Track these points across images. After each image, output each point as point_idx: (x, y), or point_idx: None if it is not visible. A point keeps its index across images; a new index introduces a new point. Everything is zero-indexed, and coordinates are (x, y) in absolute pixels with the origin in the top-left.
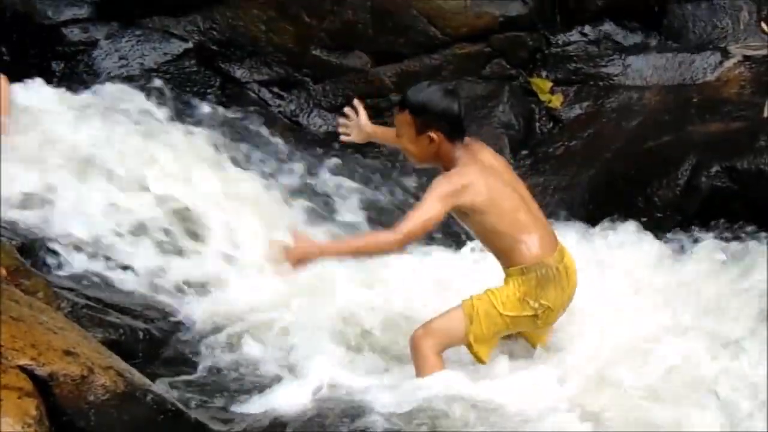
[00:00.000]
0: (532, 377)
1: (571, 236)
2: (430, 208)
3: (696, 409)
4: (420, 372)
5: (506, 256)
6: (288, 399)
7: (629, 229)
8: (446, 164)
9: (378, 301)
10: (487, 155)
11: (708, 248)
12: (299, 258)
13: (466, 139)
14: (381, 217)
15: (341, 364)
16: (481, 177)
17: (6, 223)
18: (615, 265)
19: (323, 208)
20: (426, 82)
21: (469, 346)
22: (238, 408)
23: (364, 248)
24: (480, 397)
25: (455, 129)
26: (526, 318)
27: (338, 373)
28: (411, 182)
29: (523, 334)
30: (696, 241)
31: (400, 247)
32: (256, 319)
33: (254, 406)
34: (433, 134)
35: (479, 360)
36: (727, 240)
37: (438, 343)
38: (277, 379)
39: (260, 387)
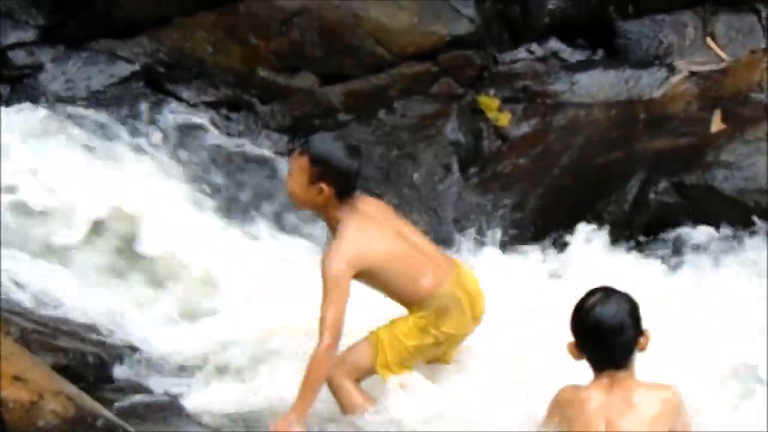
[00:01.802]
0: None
1: (515, 255)
2: (334, 297)
3: None
4: (343, 408)
5: (404, 298)
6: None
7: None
8: (326, 216)
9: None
10: (368, 206)
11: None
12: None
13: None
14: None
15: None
16: (363, 236)
17: None
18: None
19: (273, 219)
20: (333, 135)
21: (381, 373)
22: (187, 429)
23: (315, 377)
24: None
25: (347, 188)
26: (429, 345)
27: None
28: None
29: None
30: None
31: (333, 347)
32: (206, 342)
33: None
34: (324, 187)
35: (385, 378)
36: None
37: (350, 374)
38: (224, 400)
39: (207, 409)
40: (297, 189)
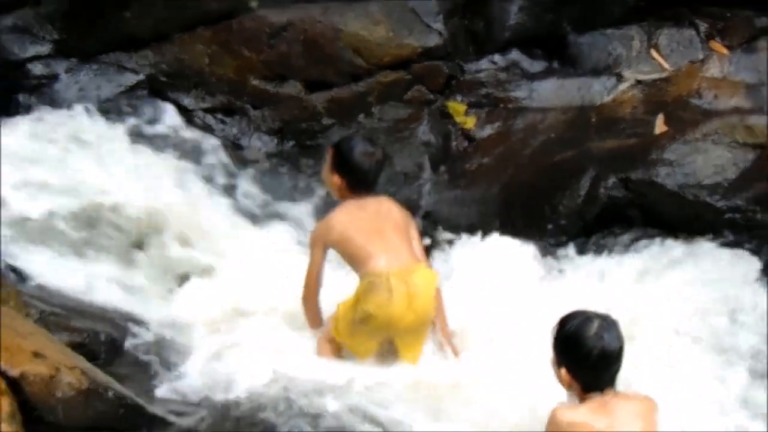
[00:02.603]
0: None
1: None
2: (311, 258)
3: None
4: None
5: (356, 273)
6: (239, 392)
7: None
8: (341, 201)
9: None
10: (372, 203)
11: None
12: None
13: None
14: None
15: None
16: (338, 218)
17: None
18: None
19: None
20: (361, 138)
21: (338, 340)
22: (194, 401)
23: (306, 315)
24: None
25: (356, 183)
26: (357, 322)
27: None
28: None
29: (396, 349)
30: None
31: (308, 297)
32: (211, 322)
33: (208, 400)
34: (338, 178)
35: (358, 356)
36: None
37: (326, 339)
38: (230, 375)
39: (213, 383)
40: (324, 175)
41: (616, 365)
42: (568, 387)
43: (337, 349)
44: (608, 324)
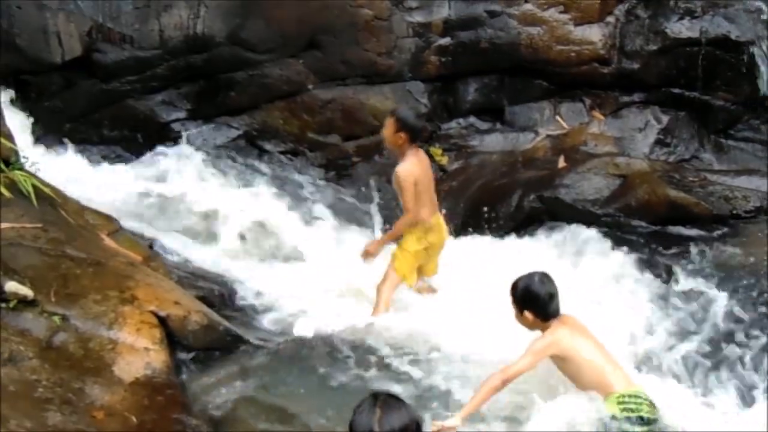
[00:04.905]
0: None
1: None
2: (407, 192)
3: None
4: (374, 309)
5: (413, 213)
6: (309, 332)
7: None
8: (400, 154)
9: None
10: (423, 156)
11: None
12: (370, 252)
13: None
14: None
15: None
16: (415, 165)
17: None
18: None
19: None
20: (409, 107)
21: (402, 277)
22: (276, 334)
23: (398, 230)
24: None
25: (414, 137)
26: (421, 250)
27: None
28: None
29: (422, 269)
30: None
31: (412, 217)
32: (292, 289)
33: (286, 334)
34: (402, 135)
35: (408, 283)
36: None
37: (386, 282)
38: (303, 321)
39: (291, 325)
40: (387, 135)
41: (557, 299)
42: (532, 325)
43: (398, 282)
44: (544, 274)
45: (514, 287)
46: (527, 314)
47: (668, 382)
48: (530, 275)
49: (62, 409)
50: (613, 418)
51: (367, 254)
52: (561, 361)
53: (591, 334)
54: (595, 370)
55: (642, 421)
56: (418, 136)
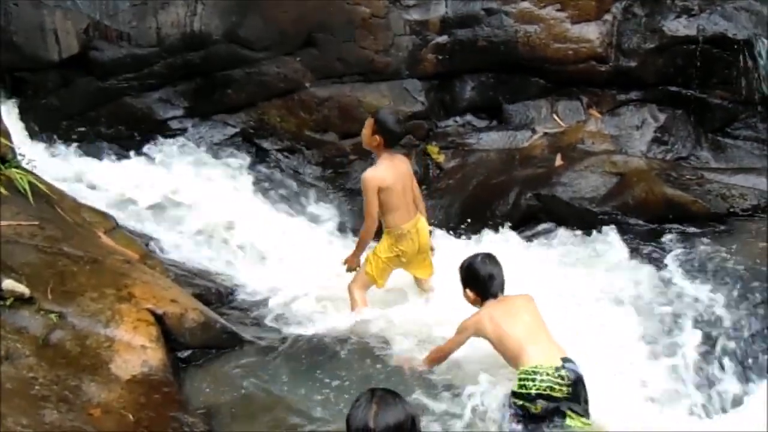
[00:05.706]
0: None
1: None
2: (368, 200)
3: None
4: (351, 306)
5: (385, 219)
6: (301, 329)
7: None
8: (377, 154)
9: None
10: (399, 161)
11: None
12: (349, 264)
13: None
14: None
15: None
16: (383, 171)
17: (133, 231)
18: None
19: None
20: (391, 110)
21: (370, 278)
22: (271, 331)
23: (364, 240)
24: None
25: (391, 142)
26: (393, 258)
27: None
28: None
29: (413, 274)
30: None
31: (369, 229)
32: (282, 285)
33: (280, 331)
34: (378, 137)
35: (378, 285)
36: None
37: (357, 283)
38: (295, 317)
39: (285, 321)
40: (364, 135)
41: (499, 279)
42: (474, 303)
43: (368, 284)
44: (488, 256)
45: (461, 266)
46: (469, 292)
47: (665, 381)
48: (475, 255)
49: (59, 406)
50: (512, 393)
51: (349, 267)
52: (490, 341)
53: (527, 312)
54: (514, 346)
55: (532, 397)
56: (395, 142)
